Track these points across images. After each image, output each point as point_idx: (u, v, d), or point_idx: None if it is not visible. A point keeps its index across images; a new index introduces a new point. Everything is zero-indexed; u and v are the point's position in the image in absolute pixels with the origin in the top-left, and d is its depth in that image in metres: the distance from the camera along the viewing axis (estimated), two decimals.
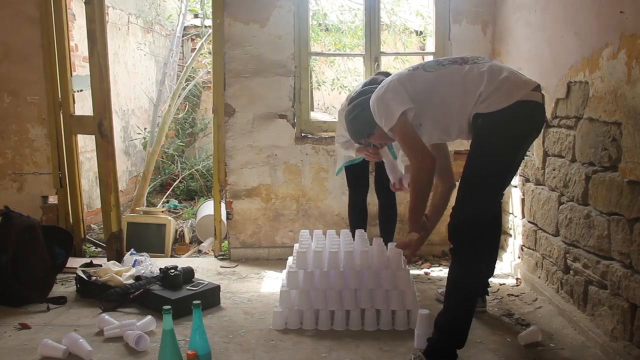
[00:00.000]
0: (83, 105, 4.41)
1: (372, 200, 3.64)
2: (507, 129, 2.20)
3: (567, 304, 2.82)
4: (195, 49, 6.48)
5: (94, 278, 3.19)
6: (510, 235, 3.72)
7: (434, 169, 2.25)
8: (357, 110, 2.59)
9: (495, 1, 3.89)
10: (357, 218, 3.48)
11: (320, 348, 2.52)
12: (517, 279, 3.45)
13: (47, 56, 3.90)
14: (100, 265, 3.40)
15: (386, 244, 2.91)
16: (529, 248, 3.37)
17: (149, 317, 2.74)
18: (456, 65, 2.32)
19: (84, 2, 3.65)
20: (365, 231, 3.17)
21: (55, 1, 3.87)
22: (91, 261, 3.58)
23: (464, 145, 3.95)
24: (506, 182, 2.38)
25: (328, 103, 7.44)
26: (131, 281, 3.14)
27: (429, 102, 2.30)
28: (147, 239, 4.57)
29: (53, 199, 4.08)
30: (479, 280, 2.46)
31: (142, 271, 3.24)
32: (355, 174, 3.43)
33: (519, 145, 2.29)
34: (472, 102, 2.23)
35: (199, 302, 2.19)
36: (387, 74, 2.93)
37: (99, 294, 3.07)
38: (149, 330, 2.67)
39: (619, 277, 2.32)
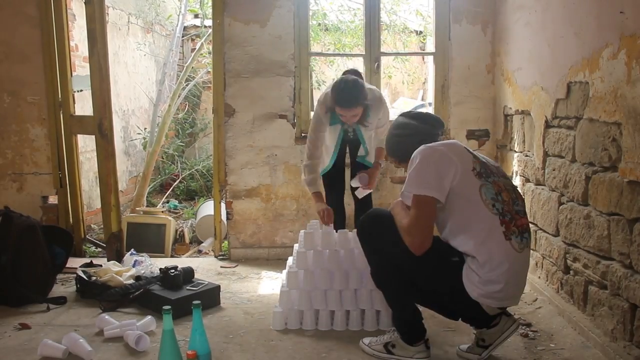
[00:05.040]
0: (83, 105, 4.41)
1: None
2: None
3: (567, 304, 2.82)
4: (195, 49, 6.47)
5: (94, 278, 3.19)
6: None
7: (420, 252, 2.16)
8: (405, 132, 2.38)
9: (495, 1, 3.89)
10: (337, 217, 3.49)
11: (320, 348, 2.53)
12: None
13: (47, 56, 3.90)
14: (100, 265, 3.40)
15: None
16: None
17: (149, 317, 2.74)
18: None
19: (84, 2, 3.66)
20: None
21: (55, 1, 3.87)
22: (91, 261, 3.59)
23: None
24: None
25: None
26: (131, 281, 3.14)
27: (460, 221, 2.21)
28: (147, 239, 4.57)
29: (53, 199, 4.08)
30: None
31: (142, 271, 3.24)
32: (331, 177, 3.43)
33: None
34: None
35: (199, 302, 2.18)
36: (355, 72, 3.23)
37: (99, 294, 3.07)
38: (149, 331, 2.67)
39: (619, 277, 2.32)
